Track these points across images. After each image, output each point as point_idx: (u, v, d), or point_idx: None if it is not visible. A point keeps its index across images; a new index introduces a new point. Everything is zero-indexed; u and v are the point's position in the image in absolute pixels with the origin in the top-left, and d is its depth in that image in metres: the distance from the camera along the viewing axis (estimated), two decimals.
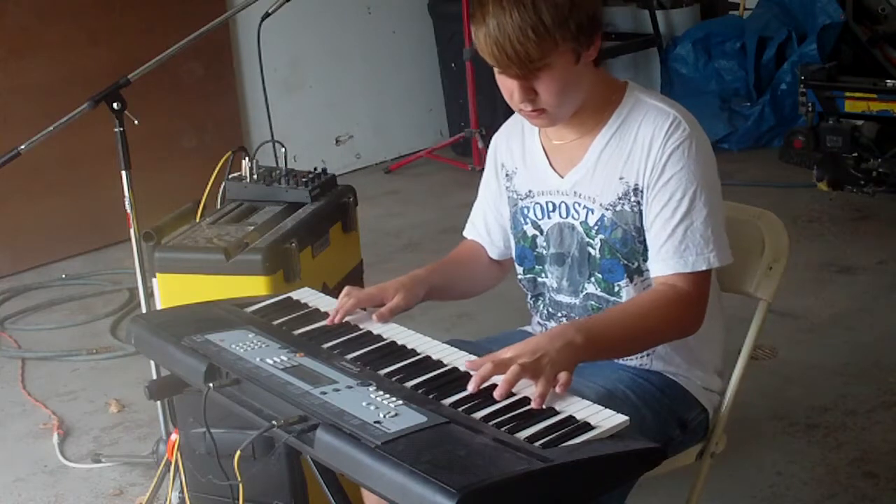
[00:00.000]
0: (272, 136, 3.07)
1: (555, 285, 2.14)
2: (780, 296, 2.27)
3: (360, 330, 2.00)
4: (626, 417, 1.64)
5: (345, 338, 1.96)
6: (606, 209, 2.03)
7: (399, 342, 1.94)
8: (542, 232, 2.14)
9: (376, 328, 2.00)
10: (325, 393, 1.70)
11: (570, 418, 1.64)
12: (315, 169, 2.99)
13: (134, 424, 3.57)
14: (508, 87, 1.97)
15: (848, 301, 4.15)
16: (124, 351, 4.07)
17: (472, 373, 1.76)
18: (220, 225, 2.77)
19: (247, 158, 2.93)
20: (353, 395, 1.70)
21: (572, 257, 2.10)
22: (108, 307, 4.54)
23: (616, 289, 2.06)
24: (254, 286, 2.52)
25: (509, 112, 2.11)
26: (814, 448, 3.15)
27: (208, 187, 2.91)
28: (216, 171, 2.90)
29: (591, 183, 2.05)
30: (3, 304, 4.69)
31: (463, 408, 1.67)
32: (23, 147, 2.82)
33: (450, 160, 6.27)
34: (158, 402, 2.98)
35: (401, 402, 1.66)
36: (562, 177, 2.09)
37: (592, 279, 2.08)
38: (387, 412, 1.62)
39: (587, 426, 1.61)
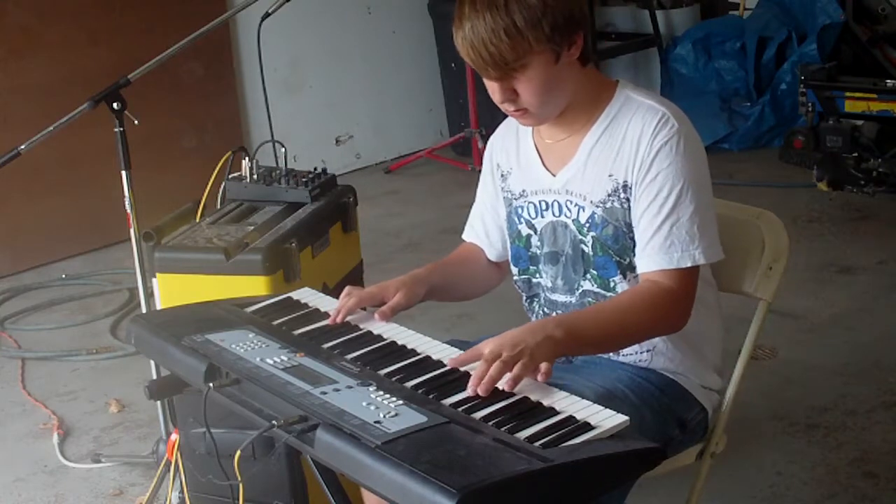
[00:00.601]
0: (272, 136, 3.07)
1: (550, 284, 2.15)
2: (780, 296, 2.27)
3: (361, 330, 2.00)
4: (626, 417, 1.64)
5: (345, 338, 1.96)
6: (597, 206, 2.04)
7: (399, 342, 1.94)
8: (536, 231, 2.14)
9: (376, 328, 2.00)
10: (325, 393, 1.70)
11: (570, 418, 1.64)
12: (315, 169, 2.99)
13: (134, 424, 3.57)
14: (491, 87, 2.00)
15: (848, 301, 4.15)
16: (124, 351, 4.07)
17: (470, 371, 1.76)
18: (220, 225, 2.77)
19: (247, 158, 2.93)
20: (353, 395, 1.70)
21: (566, 255, 2.10)
22: (108, 307, 4.54)
23: (612, 285, 2.07)
24: (254, 286, 2.52)
25: (505, 113, 2.12)
26: (814, 448, 3.15)
27: (208, 187, 2.91)
28: (216, 171, 2.90)
29: (581, 181, 2.06)
30: (3, 304, 4.69)
31: (463, 408, 1.67)
32: (23, 147, 2.82)
33: (450, 160, 6.27)
34: (158, 402, 2.98)
35: (401, 402, 1.66)
36: (554, 175, 2.10)
37: (587, 276, 2.09)
38: (387, 412, 1.62)
39: (587, 426, 1.61)
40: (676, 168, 1.97)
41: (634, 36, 6.59)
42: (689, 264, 1.98)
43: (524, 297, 2.23)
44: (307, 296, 2.18)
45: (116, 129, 2.82)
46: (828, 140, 5.60)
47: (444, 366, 1.83)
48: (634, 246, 2.03)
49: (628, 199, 2.01)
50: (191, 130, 5.54)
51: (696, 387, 2.13)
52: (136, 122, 2.80)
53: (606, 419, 1.63)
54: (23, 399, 3.82)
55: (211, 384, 1.80)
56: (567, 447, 1.56)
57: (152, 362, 2.82)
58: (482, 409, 1.66)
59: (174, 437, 2.58)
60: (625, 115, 2.03)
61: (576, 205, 2.07)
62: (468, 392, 1.71)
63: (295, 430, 1.62)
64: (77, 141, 4.67)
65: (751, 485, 2.99)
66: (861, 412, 3.32)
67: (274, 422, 1.64)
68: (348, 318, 2.04)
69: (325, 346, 1.93)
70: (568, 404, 1.68)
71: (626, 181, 2.01)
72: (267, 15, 3.10)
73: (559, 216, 2.10)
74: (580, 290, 2.10)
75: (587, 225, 2.06)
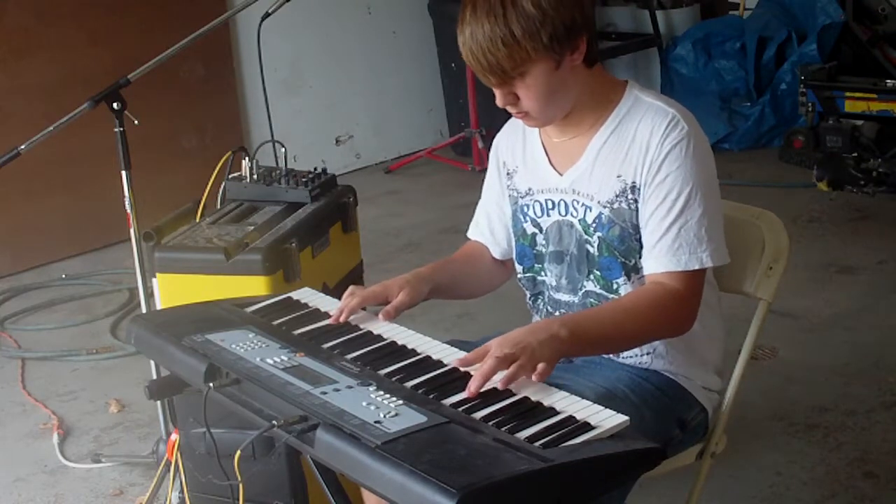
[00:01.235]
0: (272, 136, 3.07)
1: (554, 283, 2.14)
2: (780, 296, 2.27)
3: (360, 330, 2.00)
4: (626, 417, 1.64)
5: (345, 338, 1.96)
6: (604, 207, 2.04)
7: (399, 342, 1.94)
8: (541, 230, 2.14)
9: (376, 328, 2.00)
10: (325, 393, 1.70)
11: (570, 418, 1.64)
12: (315, 169, 2.99)
13: (134, 424, 3.57)
14: (494, 90, 1.99)
15: (848, 301, 4.15)
16: (124, 351, 4.07)
17: (471, 372, 1.76)
18: (220, 225, 2.77)
19: (247, 158, 2.93)
20: (353, 395, 1.70)
21: (571, 255, 2.10)
22: (108, 307, 4.54)
23: (615, 286, 2.06)
24: (254, 286, 2.52)
25: (509, 112, 2.12)
26: (814, 448, 3.15)
27: (208, 187, 2.91)
28: (216, 171, 2.90)
29: (589, 181, 2.05)
30: (3, 304, 4.69)
31: (463, 408, 1.67)
32: (23, 147, 2.82)
33: (450, 160, 6.27)
34: (158, 402, 2.98)
35: (401, 402, 1.66)
36: (561, 174, 2.10)
37: (591, 277, 2.09)
38: (387, 412, 1.62)
39: (587, 426, 1.61)
40: (686, 170, 1.97)
41: (634, 36, 6.59)
42: (696, 267, 1.98)
43: (528, 296, 2.23)
44: (307, 296, 2.18)
45: (116, 129, 2.82)
46: (828, 140, 5.61)
47: (445, 366, 1.83)
48: (640, 248, 2.02)
49: (636, 201, 2.01)
50: (191, 130, 5.54)
51: (696, 387, 2.13)
52: (136, 122, 2.80)
53: (606, 419, 1.63)
54: (23, 399, 3.82)
55: (211, 384, 1.79)
56: (567, 447, 1.56)
57: (152, 362, 2.82)
58: (482, 409, 1.66)
59: (174, 437, 2.58)
60: (634, 116, 2.03)
61: (582, 205, 2.07)
62: (467, 393, 1.71)
63: (295, 430, 1.62)
64: (77, 141, 4.67)
65: (751, 485, 2.99)
66: (861, 412, 3.32)
67: (274, 422, 1.64)
68: (350, 320, 2.04)
69: (325, 346, 1.93)
70: (568, 404, 1.68)
71: (634, 182, 2.00)
72: (267, 15, 3.10)
73: (565, 215, 2.10)
74: (583, 291, 2.10)
75: (593, 225, 2.06)
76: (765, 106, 6.10)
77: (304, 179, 2.91)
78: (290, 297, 2.18)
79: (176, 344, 1.93)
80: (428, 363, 1.85)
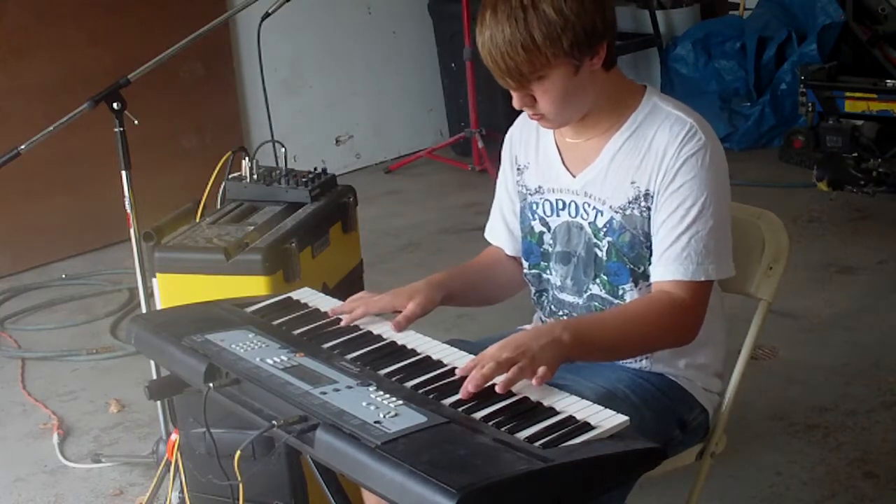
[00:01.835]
0: (272, 136, 3.07)
1: (559, 283, 2.14)
2: (780, 296, 2.27)
3: (361, 330, 2.00)
4: (626, 417, 1.64)
5: (345, 338, 1.96)
6: (616, 212, 2.03)
7: (399, 342, 1.94)
8: (549, 229, 2.14)
9: (376, 328, 2.00)
10: (325, 393, 1.70)
11: (570, 418, 1.64)
12: (315, 169, 2.99)
13: (134, 424, 3.57)
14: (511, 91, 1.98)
15: (848, 301, 4.15)
16: (124, 351, 4.07)
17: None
18: (220, 225, 2.77)
19: (247, 158, 2.93)
20: (353, 395, 1.70)
21: (578, 257, 2.10)
22: (108, 307, 4.54)
23: (620, 292, 2.06)
24: (254, 286, 2.52)
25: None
26: (814, 448, 3.15)
27: (208, 187, 2.91)
28: (216, 171, 2.90)
29: (602, 184, 2.05)
30: (3, 304, 4.69)
31: (463, 408, 1.67)
32: (23, 147, 2.82)
33: (450, 160, 6.26)
34: (158, 402, 2.98)
35: (401, 402, 1.66)
36: (573, 176, 2.09)
37: (597, 280, 2.08)
38: (387, 412, 1.62)
39: (587, 426, 1.61)
40: (701, 181, 1.96)
41: (634, 36, 6.59)
42: (702, 278, 1.97)
43: (533, 292, 2.23)
44: (307, 296, 2.18)
45: (116, 129, 2.82)
46: (828, 140, 5.61)
47: (445, 366, 1.83)
48: (650, 255, 2.02)
49: (649, 209, 2.00)
50: (191, 130, 5.54)
51: (697, 388, 2.13)
52: (136, 122, 2.80)
53: (606, 419, 1.63)
54: (23, 399, 3.82)
55: (211, 384, 1.79)
56: (567, 447, 1.56)
57: (152, 362, 2.82)
58: (482, 409, 1.66)
59: (174, 437, 2.58)
60: (651, 123, 2.02)
61: (594, 208, 2.06)
62: (461, 395, 1.70)
63: (295, 430, 1.62)
64: (77, 141, 4.67)
65: (751, 485, 2.99)
66: (861, 412, 3.32)
67: (274, 422, 1.64)
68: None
69: (325, 346, 1.93)
70: (568, 404, 1.68)
71: (648, 190, 2.00)
72: (267, 15, 3.10)
73: (575, 217, 2.09)
74: (588, 293, 2.10)
75: (604, 229, 2.05)
76: (765, 106, 6.10)
77: (304, 179, 2.91)
78: (290, 297, 2.18)
79: (176, 344, 1.93)
80: (428, 363, 1.85)
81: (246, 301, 2.18)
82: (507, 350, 1.76)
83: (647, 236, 2.02)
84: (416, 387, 1.75)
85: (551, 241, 2.14)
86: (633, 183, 2.01)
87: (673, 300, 1.97)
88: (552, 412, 1.66)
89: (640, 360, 2.08)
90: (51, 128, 2.83)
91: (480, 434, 1.58)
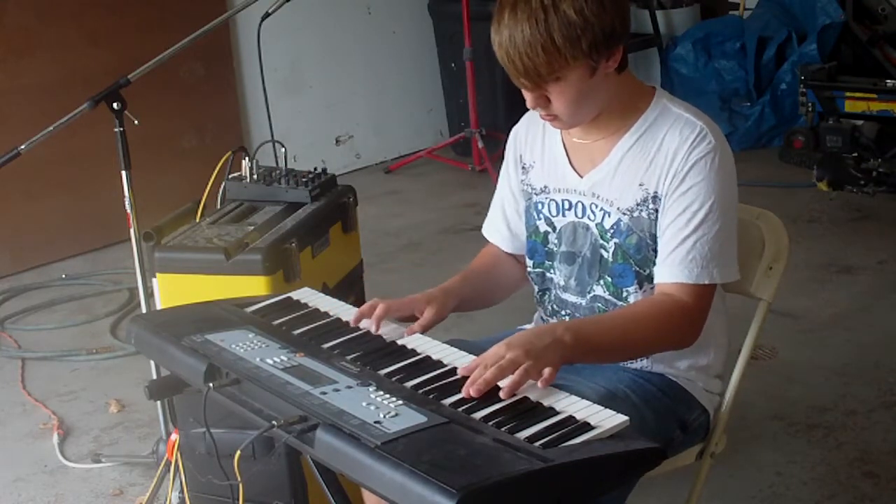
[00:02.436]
0: (272, 136, 3.07)
1: (562, 283, 2.14)
2: (780, 296, 2.27)
3: (360, 330, 2.00)
4: (626, 417, 1.64)
5: (345, 338, 1.96)
6: (624, 214, 2.03)
7: (399, 342, 1.94)
8: (554, 229, 2.13)
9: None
10: (325, 393, 1.70)
11: (570, 418, 1.64)
12: (315, 169, 2.99)
13: (134, 424, 3.57)
14: (524, 91, 1.97)
15: (848, 301, 4.15)
16: (124, 351, 4.07)
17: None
18: (220, 225, 2.77)
19: (247, 158, 2.93)
20: (353, 395, 1.70)
21: (583, 257, 2.09)
22: (108, 307, 4.53)
23: (624, 294, 2.06)
24: (254, 286, 2.52)
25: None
26: (814, 448, 3.15)
27: (208, 187, 2.91)
28: (216, 171, 2.90)
29: (610, 186, 2.04)
30: (3, 304, 4.69)
31: (463, 408, 1.67)
32: (23, 147, 2.82)
33: (450, 160, 6.26)
34: (158, 402, 2.98)
35: (401, 402, 1.66)
36: (581, 176, 2.09)
37: (601, 281, 2.08)
38: (387, 412, 1.62)
39: (587, 426, 1.61)
40: (709, 184, 1.96)
41: (634, 36, 6.58)
42: (706, 281, 1.97)
43: (536, 290, 2.22)
44: (307, 296, 2.18)
45: (116, 129, 2.82)
46: (828, 140, 5.60)
47: (445, 366, 1.83)
48: (656, 257, 2.02)
49: (657, 211, 2.00)
50: (191, 130, 5.54)
51: (697, 389, 2.13)
52: (136, 122, 2.80)
53: (606, 419, 1.63)
54: (23, 399, 3.82)
55: (211, 384, 1.79)
56: (567, 447, 1.56)
57: (152, 362, 2.82)
58: (482, 409, 1.66)
59: (174, 437, 2.58)
60: (661, 125, 2.02)
61: (601, 209, 2.06)
62: (463, 394, 1.71)
63: (295, 430, 1.62)
64: (77, 141, 4.67)
65: (751, 485, 2.99)
66: (861, 412, 3.32)
67: (274, 422, 1.64)
68: (350, 320, 2.03)
69: (325, 346, 1.93)
70: (568, 404, 1.68)
71: (656, 192, 2.00)
72: (267, 15, 3.10)
73: (581, 218, 2.09)
74: (591, 294, 2.10)
75: (611, 231, 2.05)
76: (765, 106, 6.10)
77: (304, 179, 2.91)
78: (289, 297, 2.18)
79: (176, 344, 1.93)
80: (428, 363, 1.85)
81: (246, 301, 2.18)
82: (510, 351, 1.76)
83: (654, 239, 2.01)
84: (416, 387, 1.75)
85: (556, 241, 2.14)
86: (641, 185, 2.01)
87: (675, 303, 1.96)
88: (552, 412, 1.66)
89: (641, 360, 2.08)
90: (51, 128, 2.83)
91: (480, 434, 1.58)
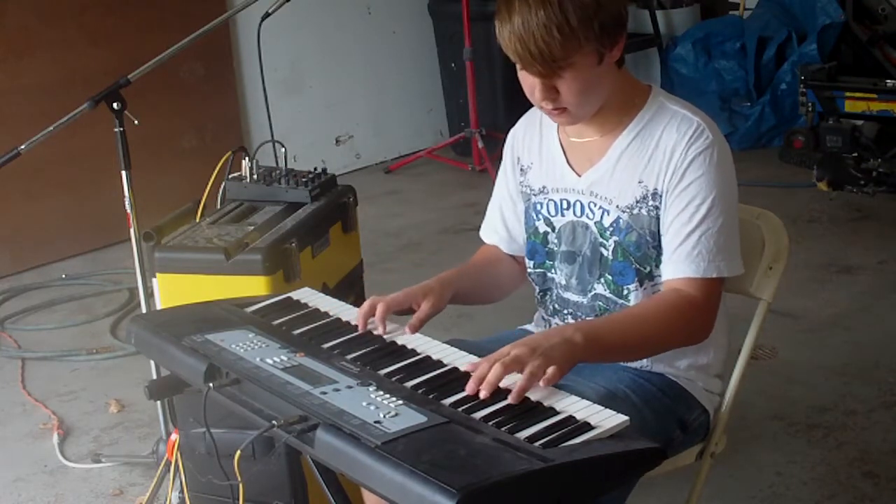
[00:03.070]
0: (272, 136, 3.07)
1: (563, 282, 2.14)
2: (780, 296, 2.27)
3: (360, 330, 2.00)
4: (627, 417, 1.64)
5: (345, 338, 1.96)
6: (623, 211, 2.03)
7: (399, 342, 1.94)
8: (553, 229, 2.13)
9: (376, 328, 2.00)
10: (325, 393, 1.70)
11: (570, 418, 1.64)
12: (315, 169, 2.99)
13: (134, 424, 3.57)
14: (530, 83, 1.97)
15: (848, 301, 4.15)
16: (124, 351, 4.07)
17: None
18: (220, 225, 2.77)
19: (247, 158, 2.93)
20: (353, 395, 1.70)
21: (583, 256, 2.09)
22: (108, 307, 4.54)
23: (625, 292, 2.06)
24: (254, 286, 2.52)
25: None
26: (814, 448, 3.15)
27: (208, 187, 2.91)
28: (216, 171, 2.90)
29: (608, 184, 2.05)
30: (3, 304, 4.69)
31: (463, 408, 1.67)
32: (23, 147, 2.82)
33: (450, 160, 6.26)
34: (158, 402, 2.98)
35: (401, 402, 1.66)
36: (579, 175, 2.09)
37: (602, 280, 2.08)
38: (387, 412, 1.62)
39: (587, 426, 1.61)
40: (709, 179, 1.97)
41: (634, 36, 6.59)
42: (713, 275, 1.97)
43: (537, 290, 2.22)
44: (307, 296, 2.18)
45: (116, 129, 2.82)
46: (828, 140, 5.60)
47: (445, 366, 1.83)
48: (657, 255, 2.02)
49: (657, 208, 2.01)
50: (191, 130, 5.54)
51: (698, 389, 2.13)
52: (136, 122, 2.80)
53: (606, 419, 1.63)
54: (23, 399, 3.82)
55: (211, 384, 1.79)
56: (567, 447, 1.56)
57: (152, 362, 2.82)
58: (482, 409, 1.66)
59: (174, 437, 2.58)
60: (658, 122, 2.02)
61: (600, 207, 2.06)
62: (467, 390, 1.71)
63: (295, 430, 1.62)
64: (77, 141, 4.67)
65: (751, 485, 2.99)
66: (861, 412, 3.32)
67: (274, 422, 1.64)
68: (350, 319, 2.04)
69: (325, 346, 1.93)
70: (568, 404, 1.68)
71: (656, 189, 2.00)
72: (267, 15, 3.10)
73: (580, 217, 2.09)
74: (592, 293, 2.10)
75: (610, 229, 2.05)
76: (765, 106, 6.10)
77: (304, 179, 2.91)
78: (289, 297, 2.18)
79: (176, 344, 1.93)
80: (428, 363, 1.85)
81: (246, 301, 2.18)
82: (515, 348, 1.75)
83: (654, 236, 2.02)
84: (416, 387, 1.75)
85: (556, 241, 2.14)
86: (640, 182, 2.01)
87: (685, 298, 1.96)
88: (552, 412, 1.66)
89: (641, 360, 2.08)
90: (51, 128, 2.83)
91: (480, 434, 1.58)
